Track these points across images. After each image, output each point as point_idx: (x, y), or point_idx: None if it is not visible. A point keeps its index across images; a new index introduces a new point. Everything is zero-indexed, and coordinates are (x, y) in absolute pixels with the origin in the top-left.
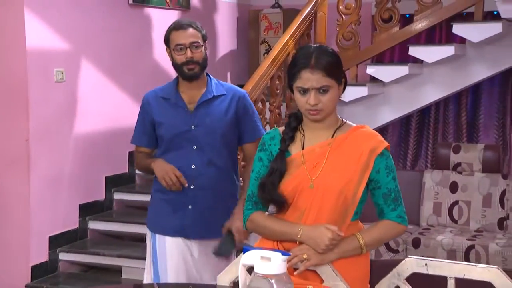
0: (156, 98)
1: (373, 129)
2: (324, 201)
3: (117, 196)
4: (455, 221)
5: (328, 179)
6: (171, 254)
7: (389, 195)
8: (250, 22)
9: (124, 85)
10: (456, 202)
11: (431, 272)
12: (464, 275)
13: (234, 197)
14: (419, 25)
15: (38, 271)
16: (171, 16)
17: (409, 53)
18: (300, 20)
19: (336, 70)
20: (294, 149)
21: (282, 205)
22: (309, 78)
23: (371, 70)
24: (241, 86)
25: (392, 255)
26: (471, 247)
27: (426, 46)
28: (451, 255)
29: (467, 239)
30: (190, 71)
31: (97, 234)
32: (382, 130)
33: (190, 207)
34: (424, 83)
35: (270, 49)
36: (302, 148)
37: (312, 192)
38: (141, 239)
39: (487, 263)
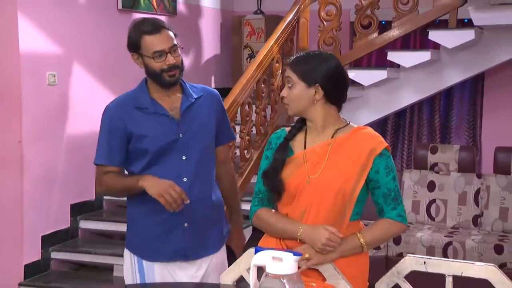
0: (127, 109)
1: None
2: (323, 199)
3: (108, 196)
4: (432, 219)
5: (327, 178)
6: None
7: (389, 194)
8: (233, 27)
9: (113, 89)
10: (433, 201)
11: (429, 270)
12: (462, 272)
13: (222, 206)
14: (397, 31)
15: (31, 269)
16: None
17: (388, 58)
18: (283, 26)
19: (303, 69)
20: (297, 149)
21: (280, 192)
22: (286, 74)
23: (352, 74)
24: (226, 90)
25: (374, 251)
26: (449, 243)
27: (403, 51)
28: (430, 251)
29: (445, 236)
30: (172, 77)
31: (87, 233)
32: None
33: (186, 225)
34: (401, 87)
35: (253, 54)
36: (304, 148)
37: (311, 190)
38: None
39: (464, 258)
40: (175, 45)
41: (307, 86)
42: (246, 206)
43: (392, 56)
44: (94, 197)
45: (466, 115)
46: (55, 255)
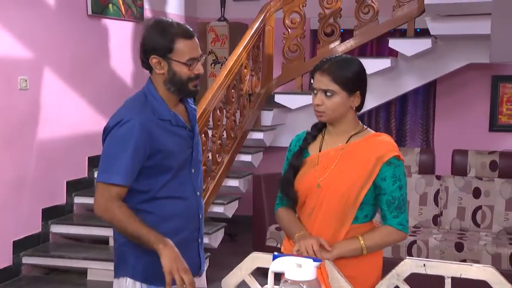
0: (155, 122)
1: None
2: (328, 201)
3: (78, 200)
4: None
5: (334, 181)
6: None
7: (393, 202)
8: (198, 34)
9: (83, 94)
10: None
11: (429, 272)
12: (460, 274)
13: None
14: (358, 39)
15: (2, 275)
16: (126, 27)
17: None
18: (251, 34)
19: (345, 79)
20: (313, 151)
21: (295, 201)
22: (318, 79)
23: None
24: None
25: None
26: (413, 242)
27: (365, 58)
28: (396, 250)
29: (408, 235)
30: (195, 87)
31: (58, 238)
32: None
33: (199, 240)
34: None
35: (217, 60)
36: (320, 151)
37: (318, 192)
38: (102, 241)
39: (427, 256)
40: (202, 54)
41: (349, 95)
42: (219, 209)
43: None
44: (65, 201)
45: (420, 119)
46: (26, 260)
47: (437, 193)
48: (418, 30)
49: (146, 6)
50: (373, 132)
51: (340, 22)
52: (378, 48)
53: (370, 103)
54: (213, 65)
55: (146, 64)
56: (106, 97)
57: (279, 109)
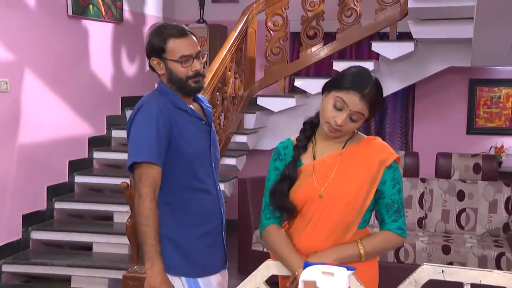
0: (173, 108)
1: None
2: (332, 210)
3: (58, 205)
4: None
5: (337, 189)
6: None
7: (392, 206)
8: None
9: (64, 96)
10: None
11: (447, 279)
12: (480, 281)
13: None
14: (341, 42)
15: None
16: (106, 28)
17: (334, 68)
18: (234, 36)
19: (376, 108)
20: (306, 160)
21: (291, 212)
22: (354, 101)
23: (299, 83)
24: None
25: None
26: (400, 245)
27: (348, 61)
28: (383, 254)
29: None
30: (197, 83)
31: (39, 244)
32: None
33: (223, 233)
34: None
35: None
36: (314, 159)
37: (320, 202)
38: (83, 247)
39: (415, 259)
40: (201, 51)
41: (368, 119)
42: None
43: (338, 65)
44: (46, 207)
45: (399, 122)
46: (6, 268)
47: (421, 195)
48: (397, 33)
49: (126, 7)
50: (364, 135)
51: (322, 25)
52: (358, 51)
53: None
54: None
55: (151, 67)
56: (87, 100)
57: (261, 112)
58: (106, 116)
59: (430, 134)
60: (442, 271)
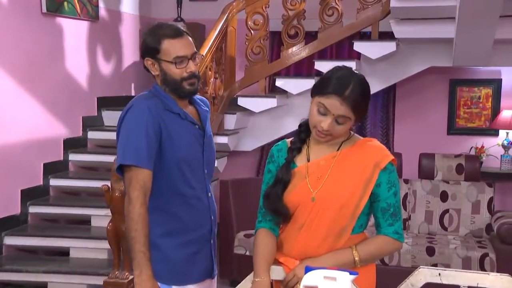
0: (163, 110)
1: (278, 138)
2: (325, 214)
3: (33, 209)
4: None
5: (330, 192)
6: None
7: (388, 210)
8: None
9: (38, 96)
10: None
11: (444, 282)
12: (477, 283)
13: None
14: (323, 42)
15: None
16: (81, 26)
17: (316, 67)
18: (215, 35)
19: (363, 108)
20: (300, 161)
21: (285, 216)
22: (336, 106)
23: (280, 82)
24: None
25: None
26: None
27: (330, 61)
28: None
29: None
30: (192, 86)
31: (12, 250)
32: (278, 139)
33: (212, 241)
34: None
35: None
36: (308, 161)
37: (313, 205)
38: (59, 253)
39: (399, 261)
40: (196, 52)
41: (357, 119)
42: None
43: (320, 65)
44: (20, 211)
45: (380, 122)
46: None
47: (405, 197)
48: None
49: (101, 4)
50: (361, 137)
51: (304, 24)
52: (339, 51)
53: None
54: None
55: (145, 67)
56: (62, 100)
57: (242, 112)
58: (82, 117)
59: (411, 134)
60: (439, 274)
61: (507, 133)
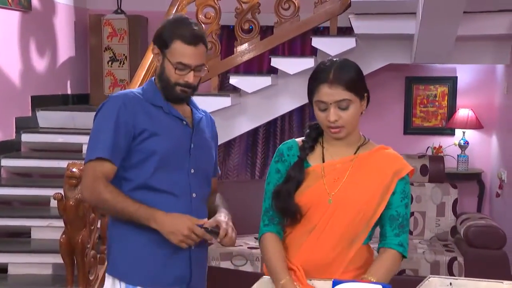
0: (139, 102)
1: (230, 139)
2: (341, 217)
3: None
4: None
5: (348, 195)
6: None
7: (397, 219)
8: (91, 27)
9: None
10: None
11: None
12: None
13: None
14: (279, 37)
15: None
16: (12, 16)
17: (272, 64)
18: None
19: (356, 84)
20: (314, 161)
21: (295, 216)
22: (327, 92)
23: (234, 80)
24: (83, 96)
25: None
26: None
27: (287, 57)
28: None
29: None
30: (183, 93)
31: None
32: (229, 140)
33: (193, 247)
34: (279, 94)
35: (115, 57)
36: (323, 161)
37: (329, 207)
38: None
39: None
40: (203, 65)
41: (360, 100)
42: None
43: (276, 62)
44: None
45: None
46: None
47: None
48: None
49: None
50: (376, 144)
51: (258, 18)
52: (298, 46)
53: (288, 104)
54: (110, 63)
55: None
56: None
57: None
58: (15, 118)
59: (367, 134)
60: (450, 283)
61: (464, 133)
